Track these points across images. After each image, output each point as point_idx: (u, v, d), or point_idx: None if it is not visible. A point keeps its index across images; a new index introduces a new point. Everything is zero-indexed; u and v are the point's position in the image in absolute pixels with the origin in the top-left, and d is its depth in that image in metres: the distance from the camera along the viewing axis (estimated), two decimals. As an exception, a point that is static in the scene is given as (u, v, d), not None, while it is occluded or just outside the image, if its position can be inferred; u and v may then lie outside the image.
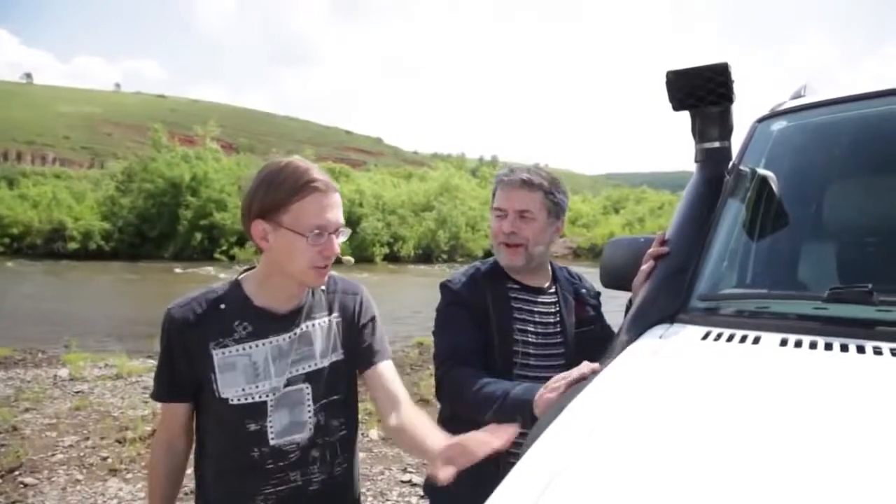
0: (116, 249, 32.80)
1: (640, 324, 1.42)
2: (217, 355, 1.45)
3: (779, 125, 1.78)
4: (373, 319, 1.67)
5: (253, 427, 1.46)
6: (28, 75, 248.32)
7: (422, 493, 4.41)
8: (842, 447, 0.81)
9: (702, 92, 1.65)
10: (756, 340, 1.19)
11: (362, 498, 4.21)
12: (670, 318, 1.41)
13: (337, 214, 1.45)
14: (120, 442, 5.11)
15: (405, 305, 16.97)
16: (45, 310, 14.22)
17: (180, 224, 33.70)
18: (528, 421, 1.34)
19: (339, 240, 1.47)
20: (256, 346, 1.47)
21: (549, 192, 1.82)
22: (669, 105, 1.72)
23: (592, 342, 1.79)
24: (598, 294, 2.01)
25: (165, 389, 1.52)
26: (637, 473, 0.79)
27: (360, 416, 5.54)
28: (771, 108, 1.91)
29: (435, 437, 1.40)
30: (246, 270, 1.57)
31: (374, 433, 5.48)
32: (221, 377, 1.45)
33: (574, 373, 1.34)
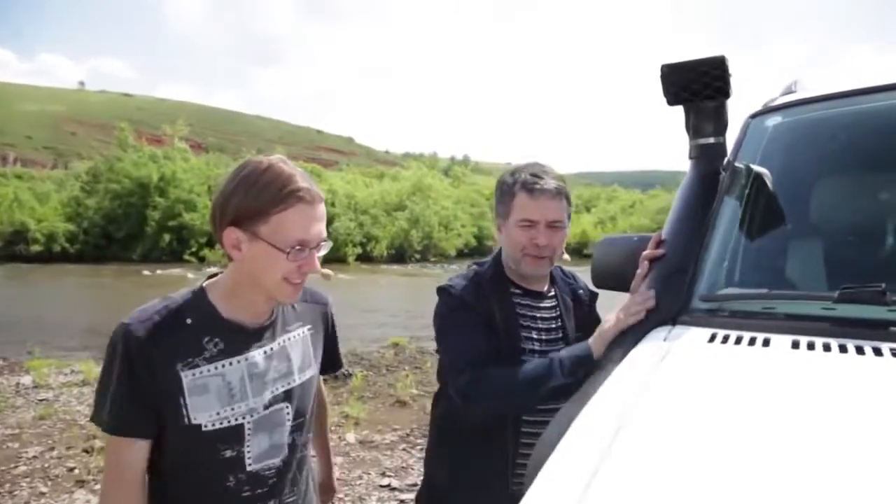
0: (82, 252, 32.11)
1: (641, 326, 1.36)
2: (186, 377, 1.27)
3: (773, 121, 1.74)
4: (336, 330, 1.63)
5: (229, 453, 1.32)
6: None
7: (401, 497, 4.36)
8: (868, 452, 0.78)
9: (697, 86, 1.60)
10: (766, 343, 1.14)
11: (341, 503, 4.15)
12: (672, 321, 1.35)
13: (321, 228, 1.32)
14: (87, 451, 4.95)
15: (379, 306, 16.86)
16: (6, 315, 13.79)
17: (148, 225, 33.10)
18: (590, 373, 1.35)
19: (320, 253, 1.34)
20: (230, 364, 1.32)
21: (569, 199, 1.79)
22: (664, 98, 1.66)
23: None
24: (593, 294, 1.97)
25: (127, 421, 1.26)
26: (671, 486, 0.74)
27: (337, 420, 5.45)
28: (764, 103, 1.87)
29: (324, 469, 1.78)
30: (210, 277, 1.41)
31: (350, 437, 5.39)
32: (192, 401, 1.28)
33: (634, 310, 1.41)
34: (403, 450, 5.15)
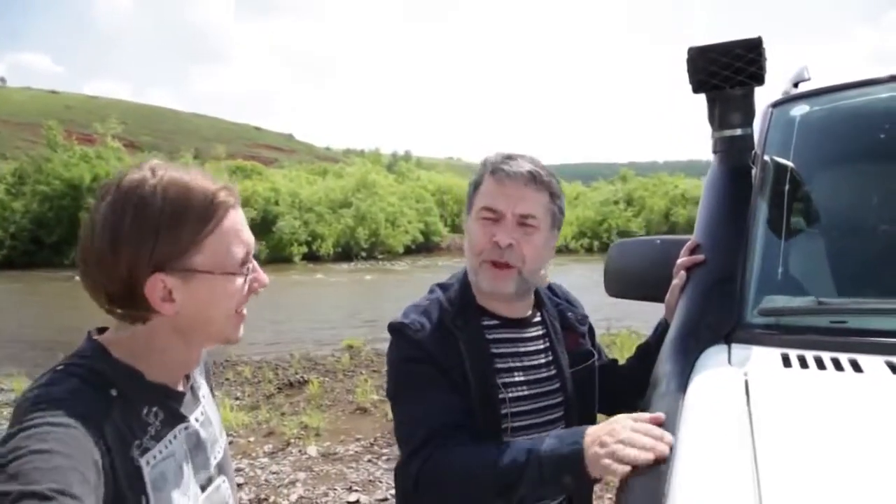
0: (9, 257, 30.40)
1: (690, 347, 1.18)
2: (146, 467, 0.94)
3: (800, 110, 1.59)
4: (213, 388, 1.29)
5: None
6: None
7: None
8: None
9: (729, 71, 1.44)
10: (856, 367, 0.98)
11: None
12: (725, 338, 1.18)
13: (250, 236, 1.06)
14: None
15: (329, 306, 16.49)
16: (-73, 328, 12.87)
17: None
18: (578, 482, 1.05)
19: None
20: (175, 437, 1.02)
21: (555, 193, 1.40)
22: (689, 85, 1.50)
23: (592, 380, 1.47)
24: (587, 317, 1.61)
25: None
26: None
27: (296, 431, 5.19)
28: (782, 92, 1.74)
29: None
30: (100, 331, 1.04)
31: (312, 449, 5.13)
32: (156, 498, 0.94)
33: (644, 417, 1.02)
34: (369, 461, 4.92)
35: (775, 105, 1.66)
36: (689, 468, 0.79)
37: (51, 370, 0.94)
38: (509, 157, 1.38)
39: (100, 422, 0.88)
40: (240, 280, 1.01)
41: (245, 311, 1.06)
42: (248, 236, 1.04)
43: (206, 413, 1.13)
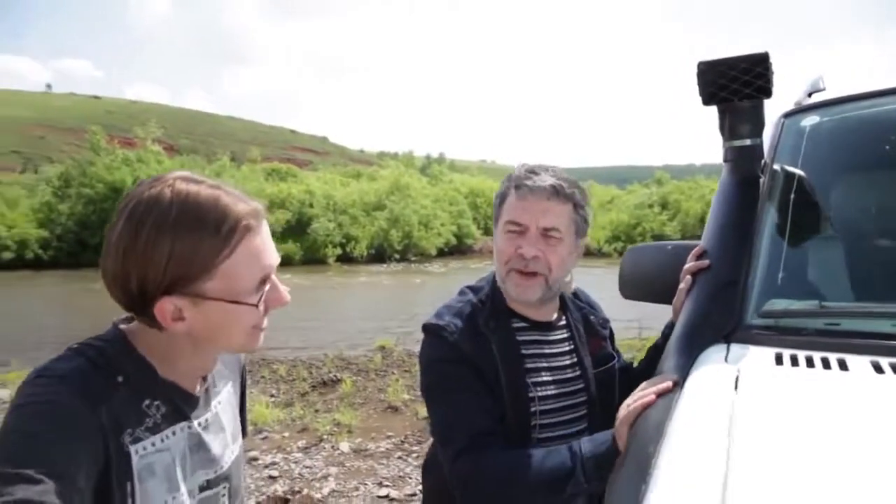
0: (56, 258, 31.37)
1: (692, 345, 1.26)
2: (135, 455, 0.95)
3: (811, 120, 1.66)
4: (245, 387, 1.31)
5: None
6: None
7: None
8: None
9: (737, 85, 1.51)
10: (843, 365, 1.05)
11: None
12: (725, 338, 1.26)
13: (273, 249, 1.04)
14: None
15: (362, 307, 16.73)
16: (-21, 325, 13.42)
17: (123, 230, 32.49)
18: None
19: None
20: (174, 433, 1.02)
21: (579, 204, 1.45)
22: (699, 98, 1.57)
23: (612, 381, 1.55)
24: (608, 321, 1.70)
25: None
26: None
27: (329, 428, 5.34)
28: (795, 102, 1.79)
29: None
30: (126, 320, 1.06)
31: (345, 446, 5.26)
32: (141, 489, 0.95)
33: (654, 387, 1.16)
34: (399, 458, 5.03)
35: (787, 115, 1.72)
36: (672, 452, 0.88)
37: (66, 349, 0.97)
38: (532, 172, 1.44)
39: (97, 402, 0.90)
40: (252, 309, 1.00)
41: (265, 324, 1.05)
42: (268, 258, 1.01)
43: (219, 420, 1.13)
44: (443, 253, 40.88)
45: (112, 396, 0.93)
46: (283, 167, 53.42)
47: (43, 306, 18.41)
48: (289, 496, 4.25)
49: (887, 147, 1.52)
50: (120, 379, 0.96)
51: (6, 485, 0.78)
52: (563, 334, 1.55)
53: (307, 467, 4.85)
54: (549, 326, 1.54)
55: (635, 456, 1.01)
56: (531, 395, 1.42)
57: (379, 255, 37.75)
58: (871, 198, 1.53)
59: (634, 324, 9.35)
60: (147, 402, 0.99)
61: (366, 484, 4.54)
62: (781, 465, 0.81)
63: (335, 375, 7.80)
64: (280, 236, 32.28)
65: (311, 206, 38.21)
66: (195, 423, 1.07)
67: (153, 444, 0.98)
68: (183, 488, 1.02)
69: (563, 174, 1.47)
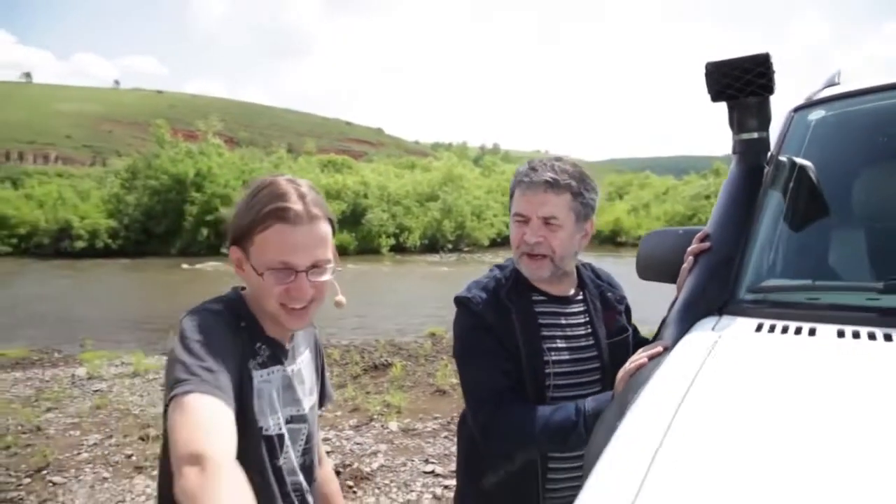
0: (123, 247, 32.89)
1: (688, 316, 1.42)
2: (255, 378, 1.27)
3: (817, 115, 1.78)
4: (323, 357, 1.60)
5: (276, 462, 1.32)
6: (27, 75, 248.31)
7: (445, 483, 4.47)
8: None
9: (741, 83, 1.65)
10: (812, 332, 1.20)
11: (387, 489, 4.29)
12: (718, 311, 1.41)
13: (312, 251, 1.26)
14: (143, 439, 5.17)
15: (415, 296, 17.04)
16: (56, 309, 14.30)
17: (186, 220, 33.77)
18: None
19: (321, 278, 1.29)
20: (274, 372, 1.33)
21: (577, 192, 1.62)
22: (708, 95, 1.71)
23: (626, 350, 1.70)
24: (625, 298, 1.87)
25: (220, 386, 1.10)
26: (725, 481, 0.80)
27: (379, 409, 5.62)
28: (806, 97, 1.91)
29: None
30: (242, 287, 1.39)
31: (393, 425, 5.53)
32: (258, 402, 1.27)
33: (647, 352, 1.34)
34: (445, 437, 5.26)
35: (796, 110, 1.84)
36: (643, 398, 1.05)
37: (208, 300, 1.33)
38: (532, 169, 1.63)
39: (234, 333, 1.25)
40: (270, 281, 1.25)
41: (295, 307, 1.28)
42: (295, 253, 1.24)
43: (301, 373, 1.42)
44: (495, 243, 40.99)
45: (239, 332, 1.27)
46: (339, 159, 54.44)
47: (113, 292, 19.40)
48: (340, 469, 4.52)
49: (885, 139, 1.64)
50: (243, 324, 1.30)
51: (193, 369, 1.09)
52: (580, 308, 1.73)
53: (357, 444, 5.13)
54: (565, 300, 1.72)
55: (619, 401, 1.20)
56: (546, 359, 1.61)
57: (432, 246, 38.16)
58: (867, 187, 1.64)
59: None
60: (258, 344, 1.31)
61: (413, 460, 4.79)
62: (725, 407, 0.98)
63: (386, 360, 8.10)
64: (335, 227, 32.87)
65: (365, 196, 38.86)
66: (288, 369, 1.37)
67: (261, 376, 1.30)
68: (280, 413, 1.33)
69: (566, 167, 1.64)
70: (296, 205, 1.24)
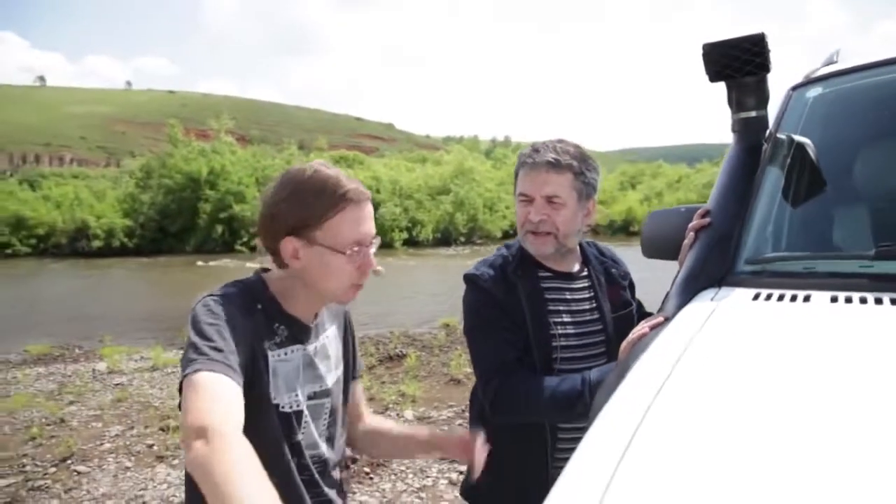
0: (139, 245, 33.17)
1: (689, 288, 1.47)
2: (271, 358, 1.34)
3: (814, 92, 1.81)
4: (352, 328, 1.65)
5: (294, 438, 1.37)
6: (41, 78, 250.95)
7: (461, 469, 4.54)
8: None
9: (738, 63, 1.69)
10: (807, 299, 1.25)
11: (403, 475, 4.36)
12: (718, 283, 1.46)
13: (372, 225, 1.39)
14: (164, 430, 5.28)
15: (428, 288, 17.09)
16: (76, 307, 14.52)
17: (200, 218, 33.98)
18: None
19: (373, 250, 1.41)
20: (293, 352, 1.39)
21: (578, 172, 1.68)
22: (706, 76, 1.75)
23: (630, 324, 1.75)
24: (629, 274, 1.94)
25: (229, 364, 1.16)
26: (714, 444, 0.83)
27: (394, 398, 5.71)
28: (805, 75, 1.94)
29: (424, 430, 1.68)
30: (263, 270, 1.45)
31: (409, 413, 5.60)
32: (274, 381, 1.34)
33: (649, 322, 1.39)
34: (460, 425, 5.33)
35: (795, 88, 1.88)
36: (641, 363, 1.11)
37: (226, 283, 1.37)
38: (535, 150, 1.70)
39: (248, 315, 1.30)
40: (346, 259, 1.33)
41: (361, 283, 1.40)
42: (367, 229, 1.36)
43: (325, 349, 1.48)
44: (508, 235, 40.85)
45: (255, 315, 1.33)
46: (350, 154, 54.69)
47: (130, 290, 19.65)
48: (356, 456, 4.60)
49: (874, 114, 1.67)
50: (259, 306, 1.35)
51: (202, 350, 1.16)
52: (584, 283, 1.80)
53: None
54: (570, 276, 1.78)
55: (620, 367, 1.25)
56: (553, 333, 1.67)
57: (444, 239, 38.21)
58: (857, 161, 1.67)
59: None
60: (276, 325, 1.37)
61: (428, 447, 4.85)
62: (718, 368, 1.03)
63: (401, 351, 8.18)
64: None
65: (377, 191, 38.86)
66: (309, 347, 1.42)
67: (278, 355, 1.35)
68: (298, 391, 1.38)
69: (568, 148, 1.70)
70: (352, 184, 1.34)
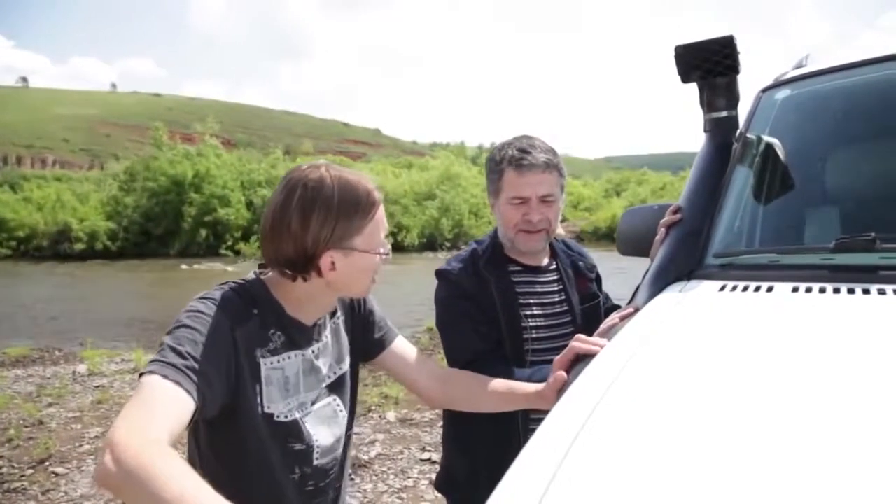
0: (122, 248, 32.87)
1: (659, 281, 1.51)
2: (263, 366, 1.29)
3: (783, 94, 1.87)
4: (367, 303, 1.60)
5: (297, 447, 1.34)
6: (24, 79, 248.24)
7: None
8: (855, 376, 0.91)
9: (709, 64, 1.74)
10: (770, 289, 1.29)
11: (384, 476, 4.37)
12: (687, 276, 1.50)
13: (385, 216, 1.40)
14: (144, 432, 5.24)
15: (413, 292, 17.07)
16: (56, 310, 14.36)
17: (185, 221, 33.74)
18: None
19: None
20: (289, 357, 1.34)
21: (560, 168, 1.74)
22: (678, 77, 1.80)
23: (597, 315, 1.81)
24: (595, 267, 1.98)
25: (187, 374, 1.11)
26: (676, 416, 0.87)
27: (377, 400, 5.68)
28: (774, 78, 2.00)
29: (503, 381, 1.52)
30: (262, 269, 1.39)
31: (391, 415, 5.61)
32: (267, 390, 1.29)
33: (619, 314, 1.42)
34: (441, 426, 5.33)
35: (765, 90, 1.94)
36: (607, 348, 1.14)
37: (223, 283, 1.33)
38: (525, 151, 1.71)
39: (235, 323, 1.24)
40: (379, 259, 1.36)
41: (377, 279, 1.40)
42: (386, 223, 1.39)
43: (327, 347, 1.43)
44: (491, 240, 40.97)
45: (248, 321, 1.28)
46: (337, 159, 54.14)
47: (113, 293, 19.46)
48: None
49: (838, 116, 1.74)
50: (255, 311, 1.30)
51: (166, 354, 1.12)
52: (553, 276, 1.85)
53: (356, 433, 5.19)
54: (540, 270, 1.84)
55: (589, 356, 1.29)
56: (524, 325, 1.72)
57: (430, 244, 38.19)
58: (828, 160, 1.74)
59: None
60: (272, 331, 1.32)
61: (409, 449, 4.87)
62: (677, 352, 1.07)
63: (384, 354, 8.16)
64: (333, 226, 32.89)
65: (363, 196, 38.76)
66: (309, 351, 1.38)
67: (272, 363, 1.31)
68: (297, 398, 1.35)
69: (548, 146, 1.76)
70: (371, 182, 1.35)
